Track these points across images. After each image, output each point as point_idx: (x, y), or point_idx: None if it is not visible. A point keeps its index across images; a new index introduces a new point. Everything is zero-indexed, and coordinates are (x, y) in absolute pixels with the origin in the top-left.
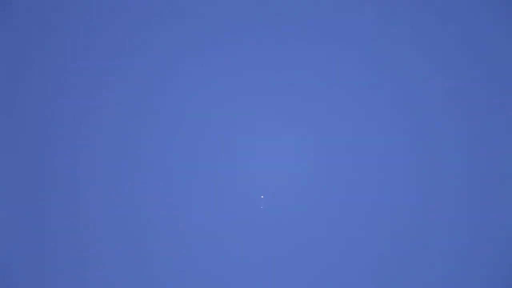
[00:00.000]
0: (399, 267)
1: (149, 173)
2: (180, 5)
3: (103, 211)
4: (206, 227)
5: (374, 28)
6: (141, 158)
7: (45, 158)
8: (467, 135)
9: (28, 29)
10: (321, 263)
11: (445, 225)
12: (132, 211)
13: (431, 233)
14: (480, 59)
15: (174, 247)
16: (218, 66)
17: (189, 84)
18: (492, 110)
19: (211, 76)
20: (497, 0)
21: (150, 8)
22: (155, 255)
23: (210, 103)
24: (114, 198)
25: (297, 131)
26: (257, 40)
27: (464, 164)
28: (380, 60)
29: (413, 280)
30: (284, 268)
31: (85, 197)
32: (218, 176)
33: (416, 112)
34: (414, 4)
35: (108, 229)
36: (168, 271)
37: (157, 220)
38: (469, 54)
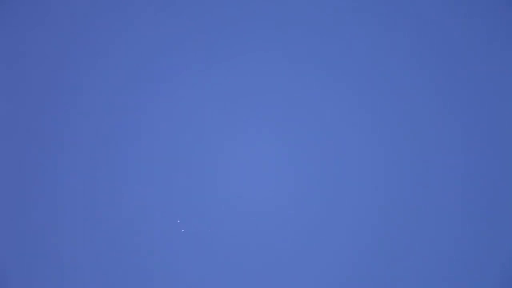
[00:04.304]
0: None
1: (134, 175)
2: (177, 5)
3: (85, 216)
4: (191, 230)
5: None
6: (126, 158)
7: (27, 156)
8: (458, 139)
9: (16, 22)
10: (309, 271)
11: (440, 233)
12: (115, 211)
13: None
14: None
15: (157, 251)
16: (211, 69)
17: (178, 85)
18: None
19: (203, 78)
20: (497, 33)
21: (145, 6)
22: (138, 258)
23: (200, 107)
24: (97, 201)
25: (286, 140)
26: (252, 48)
27: (458, 166)
28: (376, 80)
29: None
30: (270, 275)
31: (67, 201)
32: (205, 178)
33: (404, 115)
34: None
35: (89, 231)
36: (151, 274)
37: (141, 221)
38: (467, 80)
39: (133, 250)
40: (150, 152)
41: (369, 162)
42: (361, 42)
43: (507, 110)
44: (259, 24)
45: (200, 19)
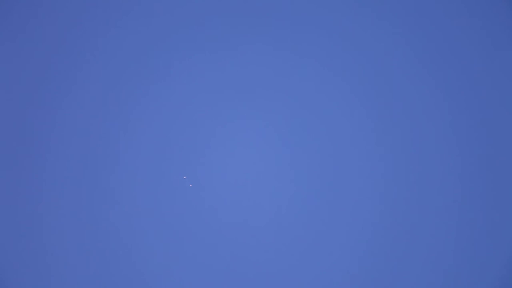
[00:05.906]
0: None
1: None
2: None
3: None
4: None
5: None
6: (122, 156)
7: (25, 155)
8: (458, 139)
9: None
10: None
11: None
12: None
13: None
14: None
15: (151, 251)
16: (211, 67)
17: (175, 84)
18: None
19: (202, 76)
20: (497, 42)
21: (141, 4)
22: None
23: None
24: (89, 201)
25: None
26: (251, 47)
27: (455, 168)
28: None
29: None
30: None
31: (62, 199)
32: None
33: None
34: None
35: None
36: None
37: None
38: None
39: (125, 249)
40: (146, 152)
41: (369, 163)
42: (364, 44)
43: (506, 110)
44: (258, 22)
45: (196, 16)
